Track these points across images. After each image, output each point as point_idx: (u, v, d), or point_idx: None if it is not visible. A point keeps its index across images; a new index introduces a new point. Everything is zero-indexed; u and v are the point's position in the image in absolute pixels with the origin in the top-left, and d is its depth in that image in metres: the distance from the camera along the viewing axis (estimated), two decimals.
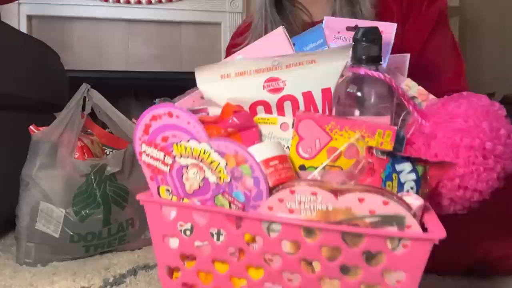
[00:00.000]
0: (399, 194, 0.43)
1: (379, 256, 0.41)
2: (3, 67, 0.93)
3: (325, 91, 0.53)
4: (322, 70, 0.53)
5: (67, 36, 2.07)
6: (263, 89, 0.53)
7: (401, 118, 0.54)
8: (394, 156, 0.45)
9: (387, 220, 0.40)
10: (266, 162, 0.46)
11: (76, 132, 0.82)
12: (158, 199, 0.49)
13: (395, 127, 0.47)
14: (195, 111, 0.57)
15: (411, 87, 0.59)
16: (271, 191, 0.45)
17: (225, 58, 0.97)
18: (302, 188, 0.41)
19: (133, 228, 0.86)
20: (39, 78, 1.10)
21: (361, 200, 0.40)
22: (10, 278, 0.71)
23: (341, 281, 0.42)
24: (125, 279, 0.70)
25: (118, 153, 0.85)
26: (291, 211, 0.42)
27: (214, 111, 0.55)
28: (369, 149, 0.45)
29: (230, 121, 0.50)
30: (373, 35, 0.51)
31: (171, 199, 0.49)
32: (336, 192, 0.41)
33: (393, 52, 0.63)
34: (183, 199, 0.48)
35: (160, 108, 0.47)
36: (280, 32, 0.59)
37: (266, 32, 0.88)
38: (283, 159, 0.47)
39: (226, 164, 0.45)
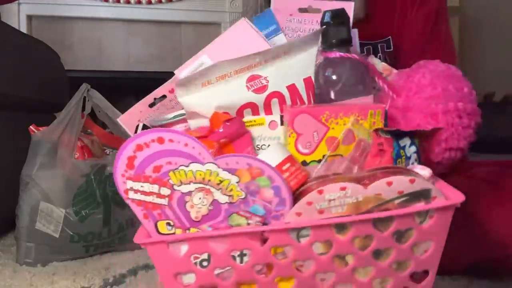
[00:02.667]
0: (410, 167, 0.45)
1: (408, 233, 0.42)
2: (3, 67, 0.93)
3: (307, 81, 0.52)
4: (299, 60, 0.51)
5: (67, 36, 2.07)
6: (248, 90, 0.50)
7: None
8: (395, 133, 0.46)
9: (415, 197, 0.41)
10: (279, 167, 0.43)
11: (76, 132, 0.82)
12: (162, 237, 0.43)
13: (384, 105, 0.49)
14: (167, 125, 0.53)
15: (376, 63, 0.59)
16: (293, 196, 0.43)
17: None
18: (331, 186, 0.41)
19: (133, 228, 0.86)
20: (39, 78, 1.10)
21: (389, 184, 0.40)
22: (10, 278, 0.71)
23: (374, 266, 0.43)
24: (125, 279, 0.70)
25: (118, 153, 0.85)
26: (321, 212, 0.41)
27: (195, 124, 0.52)
28: (376, 131, 0.46)
29: (222, 130, 0.47)
30: (341, 17, 0.50)
31: (174, 233, 0.43)
32: (363, 181, 0.42)
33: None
34: (189, 229, 0.43)
35: (146, 135, 0.40)
36: (244, 24, 0.56)
37: None
38: (292, 160, 0.46)
39: (239, 180, 0.41)
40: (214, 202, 0.42)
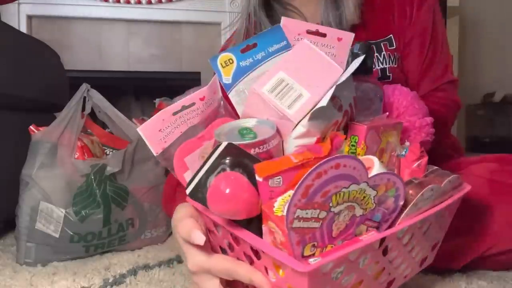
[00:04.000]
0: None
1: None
2: (3, 67, 0.93)
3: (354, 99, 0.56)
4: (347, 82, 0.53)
5: (67, 36, 2.07)
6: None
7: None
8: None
9: None
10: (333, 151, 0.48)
11: (76, 132, 0.82)
12: (315, 265, 0.40)
13: (401, 121, 0.60)
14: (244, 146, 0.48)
15: None
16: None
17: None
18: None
19: (133, 228, 0.86)
20: (39, 78, 1.10)
21: None
22: (10, 278, 0.71)
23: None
24: (125, 279, 0.70)
25: (118, 153, 0.85)
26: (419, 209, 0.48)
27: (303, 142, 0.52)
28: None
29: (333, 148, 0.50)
30: (368, 49, 0.58)
31: (314, 254, 0.42)
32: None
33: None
34: (326, 247, 0.43)
35: (326, 164, 0.40)
36: (305, 43, 0.55)
37: (247, 36, 0.86)
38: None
39: (376, 194, 0.44)
40: (352, 217, 0.44)
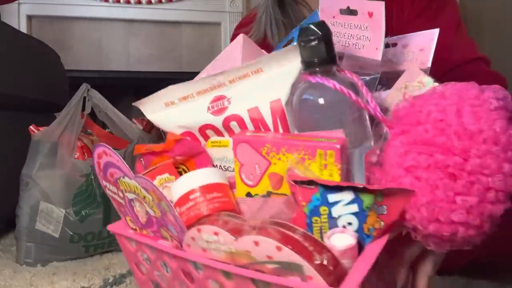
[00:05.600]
0: (329, 232, 0.36)
1: None
2: (3, 67, 0.93)
3: (274, 104, 0.45)
4: (270, 80, 0.46)
5: (67, 36, 2.07)
6: (207, 111, 0.48)
7: (381, 136, 0.44)
8: (327, 185, 0.36)
9: (287, 267, 0.33)
10: (186, 196, 0.42)
11: (76, 132, 0.82)
12: (121, 231, 0.47)
13: (337, 146, 0.37)
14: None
15: (425, 83, 0.48)
16: (191, 226, 0.41)
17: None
18: (206, 227, 0.37)
19: None
20: (39, 78, 1.10)
21: (256, 244, 0.34)
22: (10, 278, 0.71)
23: None
24: (125, 279, 0.70)
25: (118, 153, 0.85)
26: (204, 250, 0.38)
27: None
28: (292, 178, 0.38)
29: (176, 149, 0.49)
30: (318, 29, 0.40)
31: (136, 229, 0.47)
32: (236, 233, 0.36)
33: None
34: (142, 230, 0.46)
35: (99, 147, 0.45)
36: (239, 40, 0.53)
37: (269, 27, 0.88)
38: (208, 189, 0.43)
39: (153, 199, 0.42)
40: (147, 213, 0.43)
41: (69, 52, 2.01)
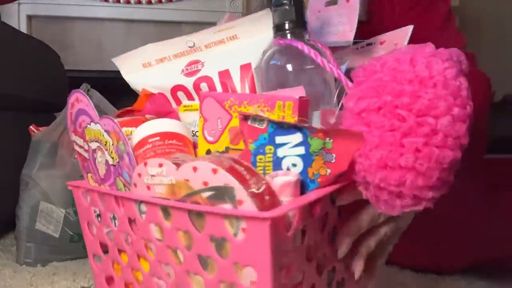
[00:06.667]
0: (273, 173, 0.35)
1: (225, 245, 0.32)
2: (3, 67, 0.93)
3: (244, 68, 0.48)
4: (243, 45, 0.49)
5: (67, 36, 2.07)
6: (181, 73, 0.51)
7: (340, 92, 0.44)
8: (279, 125, 0.36)
9: (220, 193, 0.32)
10: (145, 138, 0.43)
11: None
12: (75, 183, 0.47)
13: (296, 97, 0.38)
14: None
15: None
16: None
17: None
18: (152, 160, 0.37)
19: None
20: (39, 78, 1.10)
21: (194, 169, 0.33)
22: (10, 278, 0.71)
23: (203, 277, 0.34)
24: None
25: None
26: (148, 187, 0.37)
27: None
28: (245, 117, 0.37)
29: (147, 106, 0.50)
30: None
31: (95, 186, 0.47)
32: (179, 163, 0.35)
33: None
34: (101, 185, 0.45)
35: (73, 95, 0.45)
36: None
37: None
38: (169, 136, 0.43)
39: (112, 143, 0.41)
40: (107, 163, 0.43)
41: (69, 52, 2.01)
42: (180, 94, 0.51)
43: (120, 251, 0.43)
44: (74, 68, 1.94)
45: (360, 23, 0.83)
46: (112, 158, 0.42)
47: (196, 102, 0.49)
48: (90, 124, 0.43)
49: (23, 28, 1.95)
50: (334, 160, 0.34)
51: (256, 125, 0.37)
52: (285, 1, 0.42)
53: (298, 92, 0.41)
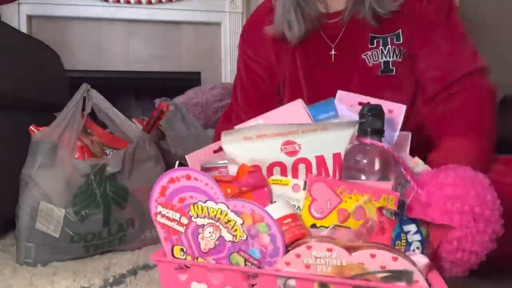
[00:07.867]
0: (407, 253, 0.46)
1: None
2: (3, 67, 0.93)
3: (336, 156, 0.58)
4: (333, 137, 0.58)
5: (67, 36, 2.08)
6: (280, 151, 0.58)
7: (399, 184, 0.58)
8: (401, 217, 0.48)
9: (397, 275, 0.42)
10: (280, 220, 0.49)
11: (76, 132, 0.82)
12: (172, 259, 0.50)
13: (398, 193, 0.52)
14: (212, 168, 0.63)
15: (419, 164, 0.65)
16: (286, 247, 0.47)
17: (238, 53, 1.01)
18: (319, 244, 0.44)
19: (133, 228, 0.86)
20: (39, 78, 1.10)
21: (372, 256, 0.42)
22: (10, 278, 0.71)
23: None
24: (125, 279, 0.70)
25: (118, 153, 0.85)
26: (307, 266, 0.44)
27: (233, 169, 0.60)
28: (380, 209, 0.49)
29: (244, 180, 0.54)
30: (377, 112, 0.57)
31: (185, 259, 0.50)
32: (349, 249, 0.43)
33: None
34: (197, 259, 0.49)
35: (178, 171, 0.49)
36: (299, 104, 0.66)
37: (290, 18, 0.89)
38: (295, 217, 0.51)
39: (243, 223, 0.47)
40: (221, 239, 0.48)
41: (69, 52, 2.01)
42: (276, 169, 0.58)
43: None
44: (74, 68, 1.95)
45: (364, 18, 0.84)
46: (235, 235, 0.46)
47: (286, 178, 0.57)
48: (204, 202, 0.48)
49: (23, 28, 1.96)
50: (431, 243, 0.49)
51: (390, 216, 0.48)
52: (370, 113, 0.56)
53: (387, 185, 0.53)
